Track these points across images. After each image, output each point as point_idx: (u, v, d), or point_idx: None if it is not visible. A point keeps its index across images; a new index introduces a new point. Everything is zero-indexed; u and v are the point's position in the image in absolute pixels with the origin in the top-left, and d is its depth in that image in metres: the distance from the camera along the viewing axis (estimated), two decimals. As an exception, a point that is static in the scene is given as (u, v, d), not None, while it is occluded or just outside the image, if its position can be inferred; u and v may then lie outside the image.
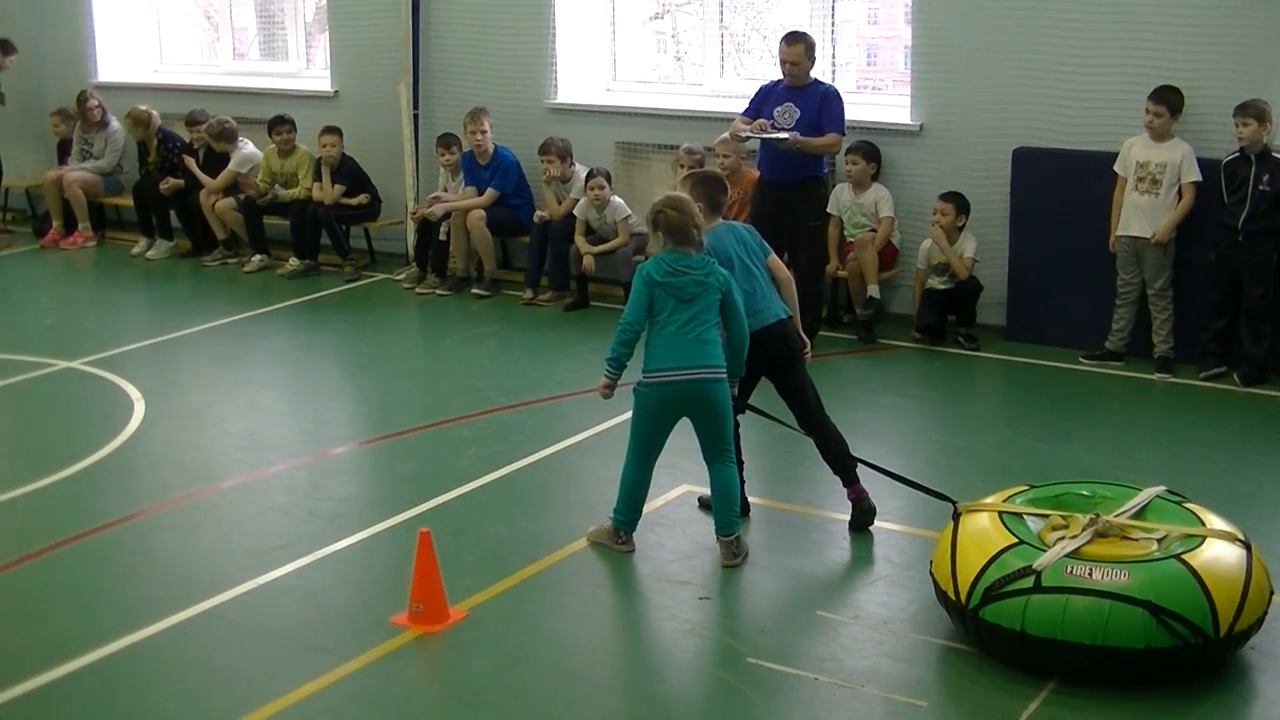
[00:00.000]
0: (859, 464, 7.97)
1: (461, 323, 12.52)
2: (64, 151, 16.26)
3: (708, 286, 7.43)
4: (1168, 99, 10.46)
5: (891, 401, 10.36)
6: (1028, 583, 6.33)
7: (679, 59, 14.65)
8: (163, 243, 15.27)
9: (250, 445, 9.69)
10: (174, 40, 16.95)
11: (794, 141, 10.96)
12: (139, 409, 10.36)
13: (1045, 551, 6.46)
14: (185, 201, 14.98)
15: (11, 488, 8.97)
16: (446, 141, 13.59)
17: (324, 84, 15.12)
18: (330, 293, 13.60)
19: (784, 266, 8.25)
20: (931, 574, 6.86)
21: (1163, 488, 7.06)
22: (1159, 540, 6.61)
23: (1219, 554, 6.43)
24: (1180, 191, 10.49)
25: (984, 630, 6.49)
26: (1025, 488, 7.21)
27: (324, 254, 14.26)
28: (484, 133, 13.18)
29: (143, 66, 16.72)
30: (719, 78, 13.37)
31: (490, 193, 13.22)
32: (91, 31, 16.51)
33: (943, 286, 11.38)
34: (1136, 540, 6.63)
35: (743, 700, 6.37)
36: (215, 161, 14.87)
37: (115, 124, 15.95)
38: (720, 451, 7.65)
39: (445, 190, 13.69)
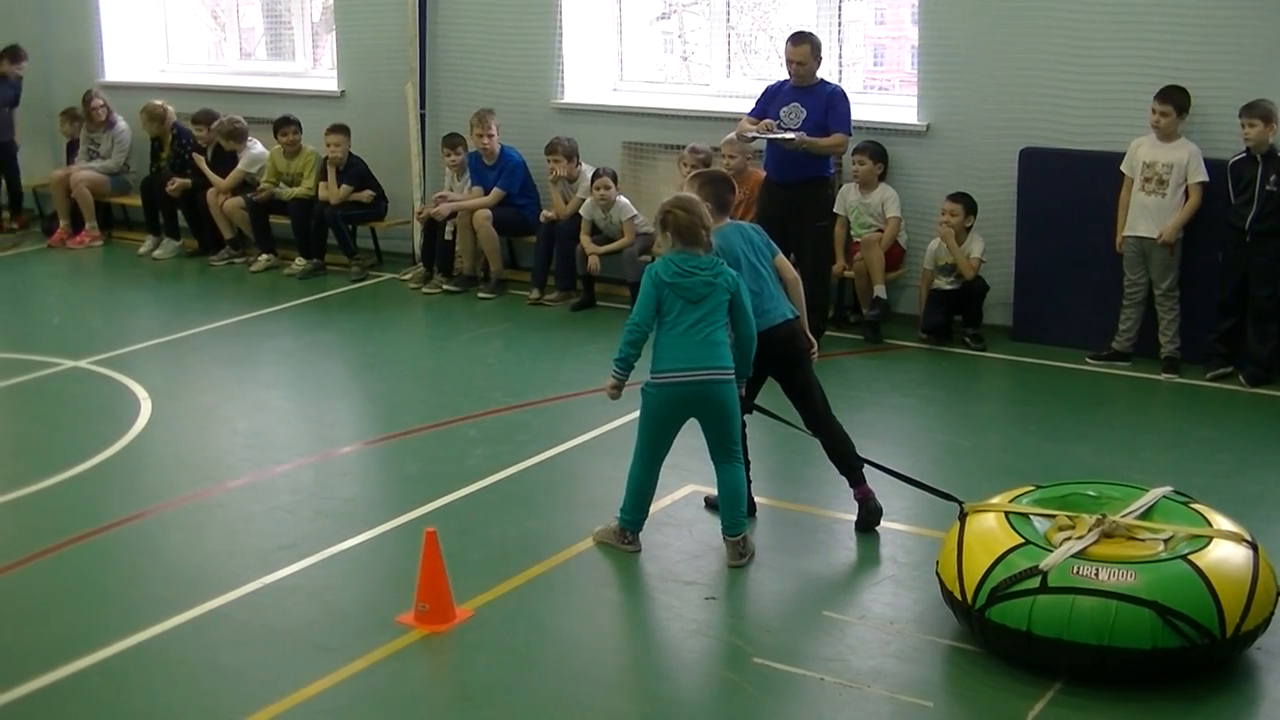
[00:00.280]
0: (866, 464, 7.97)
1: (468, 322, 12.52)
2: (72, 151, 16.28)
3: (716, 287, 7.43)
4: (1174, 99, 10.45)
5: (898, 401, 10.35)
6: (1034, 583, 6.33)
7: (686, 59, 14.64)
8: (169, 242, 15.27)
9: (257, 445, 9.70)
10: (181, 40, 16.96)
11: (800, 142, 10.96)
12: (146, 408, 10.37)
13: (1052, 552, 6.45)
14: (192, 201, 14.99)
15: (19, 487, 8.98)
16: (452, 141, 13.59)
17: (331, 84, 15.13)
18: (337, 292, 13.60)
19: (791, 267, 8.25)
20: (938, 574, 6.86)
21: (1169, 488, 7.06)
22: (1165, 541, 6.61)
23: (1226, 554, 6.43)
24: (1187, 192, 10.48)
25: (990, 630, 6.48)
26: (1031, 488, 7.21)
27: (330, 254, 14.26)
28: (490, 135, 13.18)
29: (150, 66, 16.72)
30: (726, 78, 13.37)
31: (496, 192, 13.22)
32: (99, 31, 16.51)
33: (949, 287, 11.37)
34: (1143, 541, 6.63)
35: (749, 700, 6.37)
36: (224, 161, 14.88)
37: (122, 124, 15.96)
38: (728, 452, 7.64)
39: (451, 190, 13.69)
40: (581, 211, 12.77)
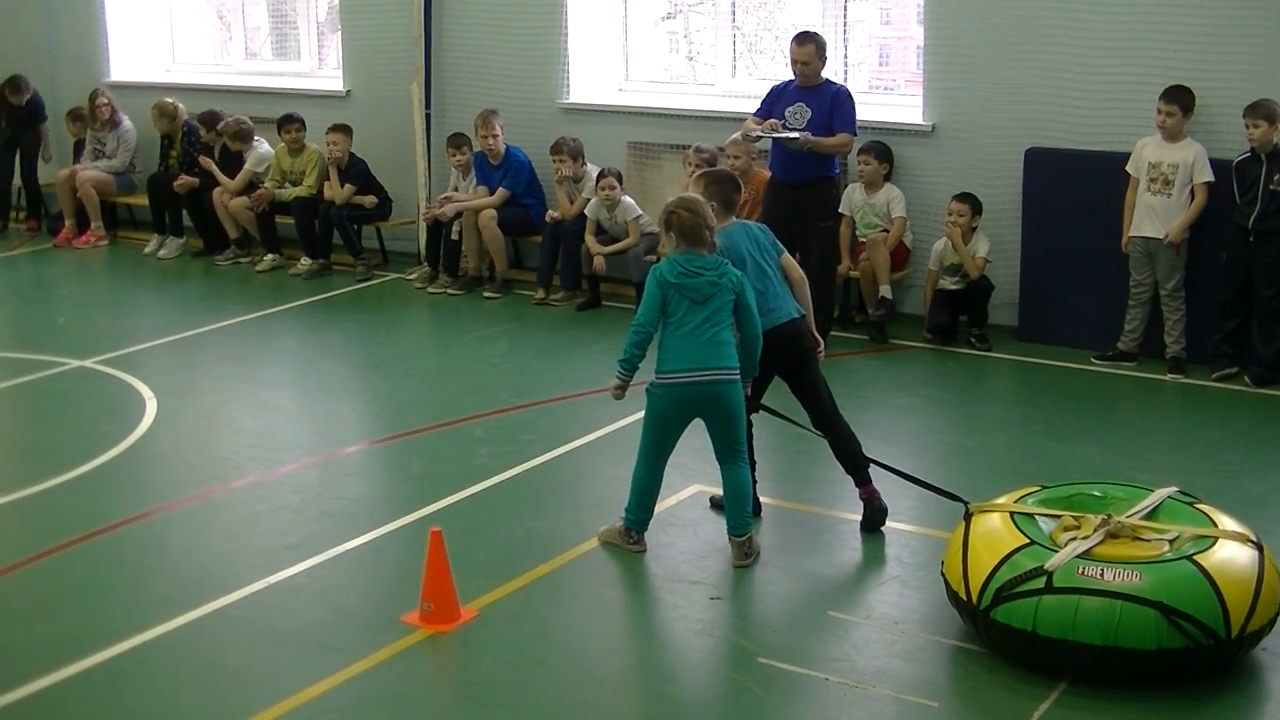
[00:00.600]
0: (872, 464, 7.96)
1: (473, 322, 12.53)
2: (78, 152, 16.29)
3: (721, 287, 7.42)
4: (1180, 99, 10.45)
5: (903, 402, 10.35)
6: (1039, 583, 6.33)
7: (691, 59, 14.64)
8: (175, 241, 15.28)
9: (262, 444, 9.70)
10: (187, 40, 16.97)
11: (805, 141, 10.95)
12: (151, 408, 10.38)
13: (1057, 552, 6.45)
14: (198, 200, 14.99)
15: (24, 486, 8.99)
16: (458, 141, 13.60)
17: (336, 84, 15.13)
18: (342, 292, 13.61)
19: (798, 266, 8.25)
20: (943, 574, 6.86)
21: (1175, 488, 7.06)
22: (1171, 541, 6.60)
23: (1231, 555, 6.42)
24: (1193, 192, 10.47)
25: (995, 631, 6.49)
26: (1037, 488, 7.20)
27: (336, 253, 14.26)
28: (495, 136, 13.19)
29: (155, 66, 16.74)
30: (731, 78, 13.37)
31: (501, 192, 13.22)
32: (104, 31, 16.52)
33: (954, 286, 11.37)
34: (1148, 541, 6.62)
35: (754, 700, 6.37)
36: (231, 161, 14.88)
37: (127, 123, 15.96)
38: (733, 452, 7.64)
39: (456, 190, 13.69)
40: (587, 211, 12.77)
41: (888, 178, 11.80)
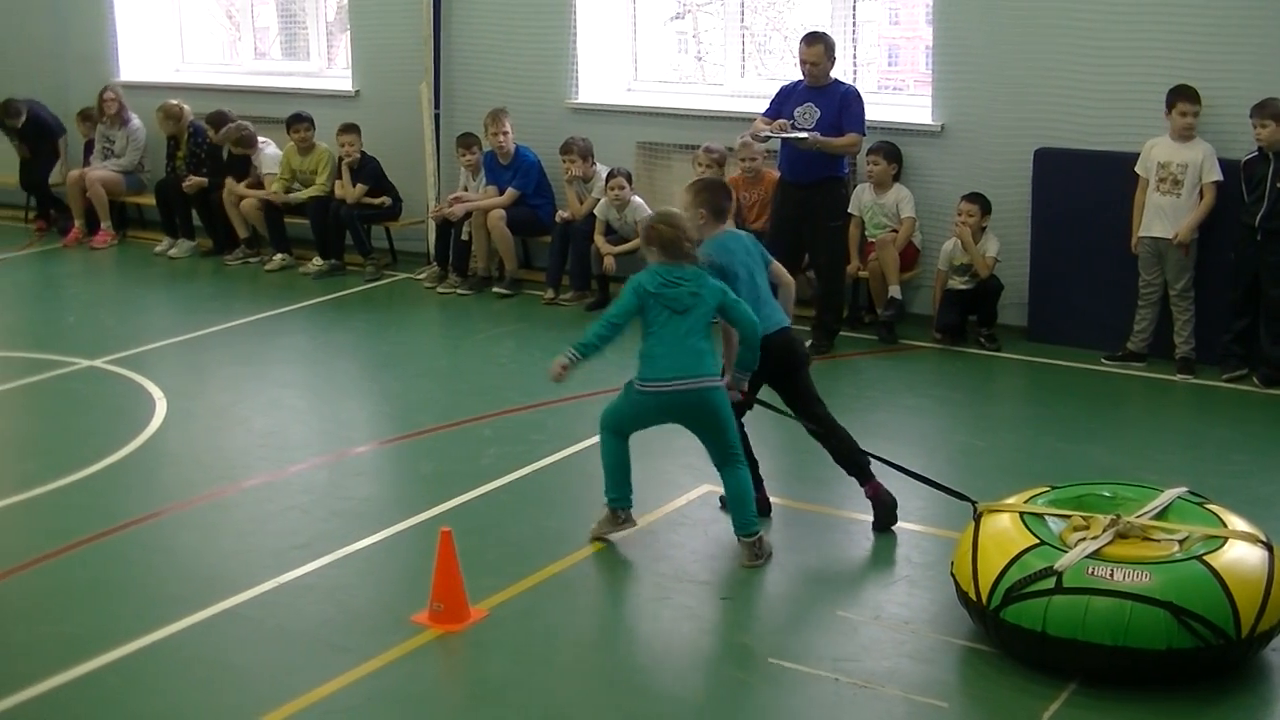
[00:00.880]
0: (882, 464, 7.95)
1: (483, 322, 12.53)
2: (89, 152, 16.30)
3: (701, 298, 7.48)
4: (1198, 99, 10.42)
5: (912, 402, 10.35)
6: (1049, 583, 6.33)
7: (700, 59, 14.64)
8: (185, 241, 15.30)
9: (271, 444, 9.71)
10: (196, 39, 16.98)
11: (814, 141, 10.94)
12: (160, 408, 10.39)
13: (1066, 552, 6.45)
14: (207, 200, 15.01)
15: (33, 486, 9.01)
16: (467, 141, 13.60)
17: (345, 83, 15.15)
18: (352, 292, 13.62)
19: (786, 272, 8.28)
20: (953, 574, 6.86)
21: (1185, 489, 7.05)
22: (1180, 541, 6.59)
23: (1241, 555, 6.41)
24: (1202, 192, 10.46)
25: (1005, 631, 6.50)
26: (1047, 488, 7.20)
27: (347, 253, 14.27)
28: (505, 134, 13.19)
29: (164, 66, 16.75)
30: (740, 78, 13.37)
31: (511, 192, 13.23)
32: (113, 31, 16.53)
33: (964, 286, 11.36)
34: (1158, 541, 6.62)
35: (763, 700, 6.37)
36: (237, 163, 14.89)
37: (136, 122, 15.97)
38: (728, 456, 7.68)
39: (466, 190, 13.70)
40: (596, 211, 12.77)
41: (897, 178, 11.79)
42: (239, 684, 6.64)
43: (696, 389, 7.49)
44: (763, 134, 11.24)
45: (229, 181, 14.80)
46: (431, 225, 13.94)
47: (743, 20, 13.41)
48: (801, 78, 11.25)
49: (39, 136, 16.49)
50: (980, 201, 11.29)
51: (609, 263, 12.48)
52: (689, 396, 7.50)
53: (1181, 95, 10.44)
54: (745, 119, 11.97)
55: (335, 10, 15.91)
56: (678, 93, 13.68)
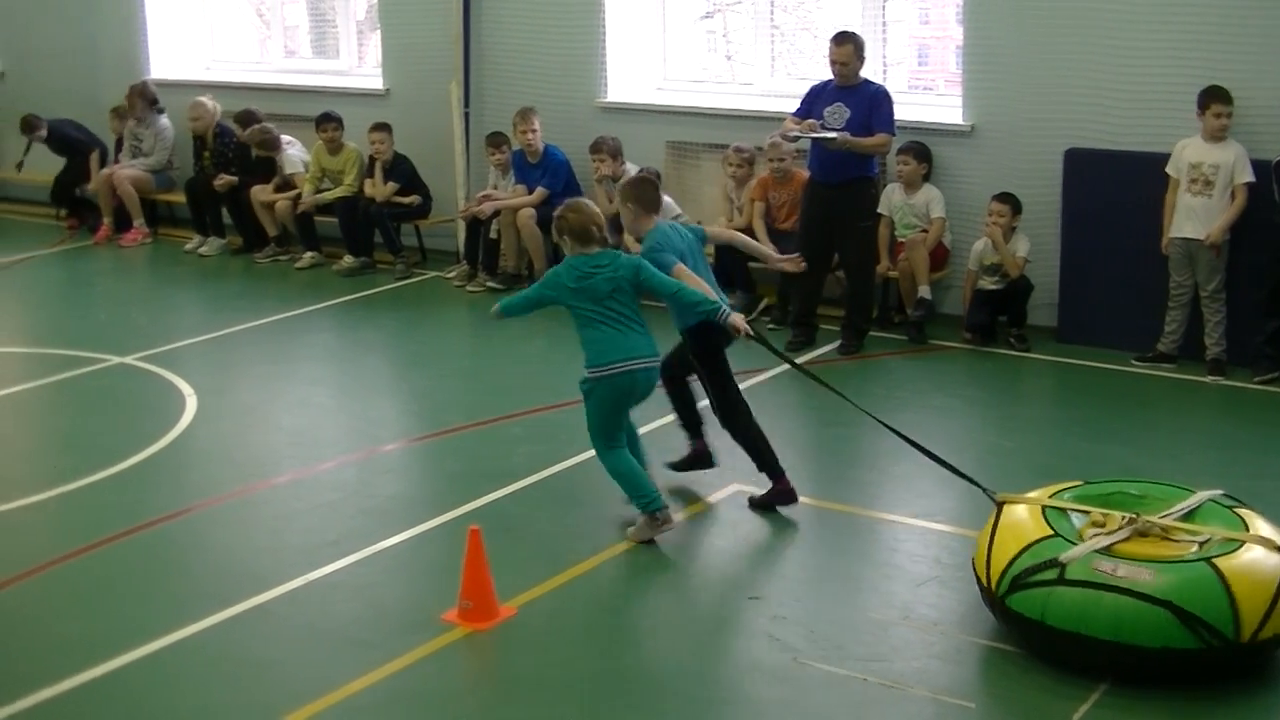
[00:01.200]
0: (910, 445, 7.86)
1: (511, 321, 12.49)
2: (119, 149, 16.36)
3: (619, 279, 7.77)
4: (1230, 100, 10.38)
5: (941, 402, 10.32)
6: (1053, 574, 6.38)
7: (729, 58, 14.63)
8: (215, 239, 15.35)
9: (301, 441, 9.74)
10: (226, 38, 17.03)
11: (843, 142, 10.93)
12: (191, 405, 10.43)
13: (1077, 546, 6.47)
14: (237, 198, 15.06)
15: (65, 482, 9.05)
16: (496, 140, 13.63)
17: (375, 82, 15.17)
18: (381, 290, 13.64)
19: (725, 231, 8.81)
20: (973, 563, 6.89)
21: (1219, 491, 7.03)
22: (1201, 544, 6.57)
23: (1253, 559, 6.38)
24: (1233, 193, 10.42)
25: (1010, 618, 6.57)
26: (1079, 484, 7.21)
27: (376, 251, 14.30)
28: (533, 132, 13.21)
29: (195, 64, 16.80)
30: (769, 77, 13.36)
31: (539, 191, 13.24)
32: (144, 29, 16.59)
33: (993, 287, 11.33)
34: (1177, 541, 6.61)
35: (791, 700, 6.37)
36: (262, 164, 14.93)
37: (164, 120, 16.02)
38: (633, 432, 8.22)
39: (495, 188, 13.72)
40: (625, 211, 12.76)
41: (927, 178, 11.77)
42: (268, 680, 6.66)
43: (644, 368, 7.86)
44: (792, 134, 11.23)
45: (256, 187, 14.83)
46: (461, 224, 13.96)
47: (772, 19, 13.40)
48: (831, 77, 11.23)
49: (64, 152, 16.55)
50: (1010, 201, 11.26)
51: (638, 262, 12.46)
52: (638, 375, 7.85)
53: (1215, 96, 10.39)
54: (775, 118, 11.96)
55: (365, 9, 15.94)
56: (707, 92, 13.67)
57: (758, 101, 13.09)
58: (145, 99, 15.91)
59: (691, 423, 8.69)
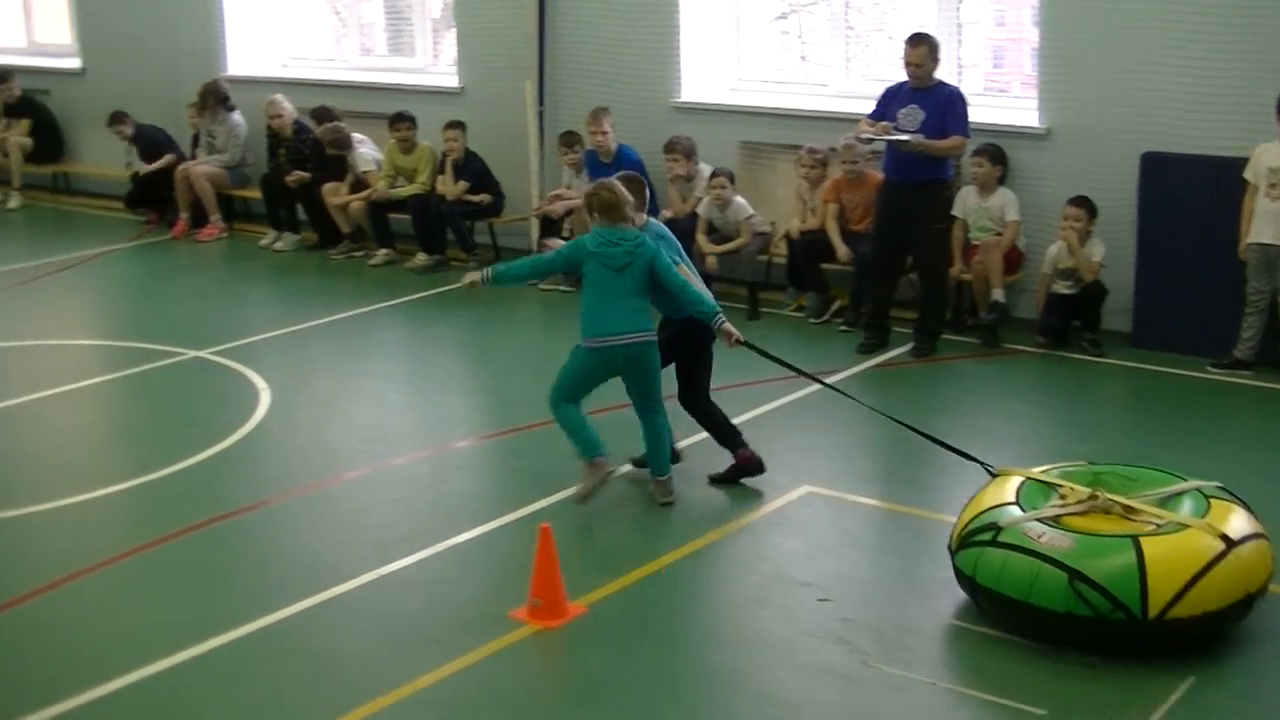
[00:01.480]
0: (905, 427, 8.18)
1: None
2: (195, 144, 16.50)
3: (637, 256, 8.22)
4: None
5: (1014, 406, 10.27)
6: (988, 536, 6.85)
7: (804, 59, 14.61)
8: (289, 235, 15.46)
9: (373, 437, 9.79)
10: (303, 35, 17.14)
11: (916, 144, 10.89)
12: (265, 399, 10.51)
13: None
14: (311, 195, 15.15)
15: (142, 473, 9.15)
16: (569, 140, 13.66)
17: (451, 80, 15.23)
18: (453, 287, 13.68)
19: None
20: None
21: (1214, 484, 7.20)
22: (1160, 525, 6.81)
23: (1183, 543, 6.62)
24: (1313, 198, 10.34)
25: (956, 573, 7.07)
26: (1084, 464, 7.62)
27: (449, 248, 14.36)
28: (604, 133, 13.22)
29: (272, 61, 16.91)
30: (844, 78, 13.33)
31: (613, 191, 13.25)
32: (222, 26, 16.72)
33: (1068, 291, 11.27)
34: (1136, 521, 6.89)
35: (859, 703, 6.37)
36: (336, 162, 15.02)
37: (237, 117, 16.13)
38: (651, 405, 8.46)
39: (569, 187, 13.75)
40: (699, 210, 12.77)
41: (1002, 180, 11.71)
42: (338, 674, 6.71)
43: (639, 343, 8.28)
44: (865, 136, 11.22)
45: (328, 186, 14.92)
46: (534, 222, 14.00)
47: (847, 20, 13.37)
48: (906, 79, 11.20)
49: (149, 155, 16.70)
50: (1086, 205, 11.18)
51: (710, 262, 12.46)
52: (633, 349, 8.27)
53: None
54: (848, 119, 11.94)
55: (441, 7, 16.01)
56: (781, 92, 13.64)
57: (832, 102, 13.06)
58: (216, 97, 16.04)
59: (728, 437, 8.80)
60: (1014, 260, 11.69)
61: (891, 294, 11.50)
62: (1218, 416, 10.03)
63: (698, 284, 8.54)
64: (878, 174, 11.63)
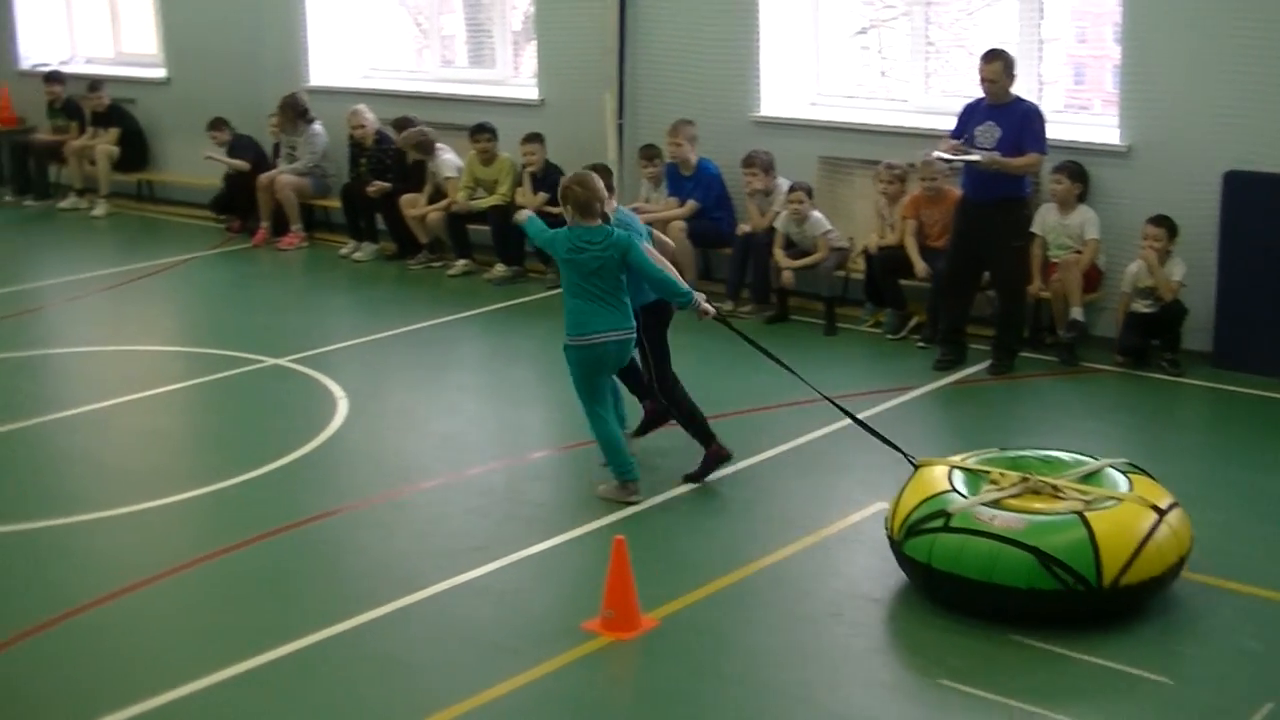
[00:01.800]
0: (837, 407, 8.64)
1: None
2: (277, 154, 16.63)
3: (606, 258, 8.45)
4: None
5: (1092, 425, 10.19)
6: (940, 523, 7.17)
7: (884, 74, 14.57)
8: (369, 245, 15.55)
9: (449, 446, 9.84)
10: (384, 46, 17.25)
11: (989, 162, 10.83)
12: (342, 407, 10.58)
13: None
14: (391, 205, 15.24)
15: (221, 479, 9.24)
16: (649, 153, 13.67)
17: (531, 92, 15.29)
18: (532, 299, 13.73)
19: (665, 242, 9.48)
20: (885, 522, 7.61)
21: (1122, 460, 7.74)
22: (1089, 501, 7.22)
23: (1123, 514, 7.12)
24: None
25: (904, 563, 7.38)
26: (994, 451, 7.97)
27: (527, 260, 14.39)
28: (680, 145, 13.24)
29: (353, 72, 17.04)
30: (923, 93, 13.29)
31: (691, 204, 13.27)
32: (305, 37, 16.86)
33: (1147, 310, 11.18)
34: (1066, 499, 7.27)
35: (933, 721, 6.35)
36: (416, 172, 15.11)
37: (317, 127, 16.24)
38: (608, 398, 8.89)
39: (647, 200, 13.76)
40: (776, 225, 12.76)
41: (1082, 198, 11.63)
42: (411, 681, 6.75)
43: (619, 340, 8.63)
44: (942, 157, 11.21)
45: (406, 198, 15.00)
46: (612, 234, 14.01)
47: (928, 35, 13.33)
48: (984, 95, 11.15)
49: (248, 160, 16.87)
50: (1166, 225, 11.08)
51: (788, 276, 12.46)
52: (616, 346, 8.63)
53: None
54: (928, 135, 11.90)
55: (522, 20, 16.08)
56: (861, 108, 13.60)
57: (911, 118, 13.01)
58: (295, 110, 16.16)
59: (700, 431, 9.17)
60: (1093, 279, 11.61)
61: (967, 311, 11.44)
62: (1300, 438, 9.93)
63: (669, 270, 8.77)
64: (956, 190, 11.58)
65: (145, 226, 17.68)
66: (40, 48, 20.05)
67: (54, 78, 18.94)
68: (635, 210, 13.51)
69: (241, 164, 16.64)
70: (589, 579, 7.46)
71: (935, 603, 7.24)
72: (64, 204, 18.50)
